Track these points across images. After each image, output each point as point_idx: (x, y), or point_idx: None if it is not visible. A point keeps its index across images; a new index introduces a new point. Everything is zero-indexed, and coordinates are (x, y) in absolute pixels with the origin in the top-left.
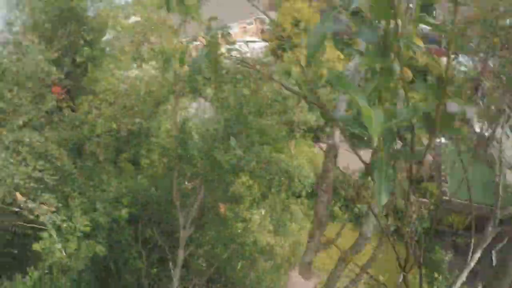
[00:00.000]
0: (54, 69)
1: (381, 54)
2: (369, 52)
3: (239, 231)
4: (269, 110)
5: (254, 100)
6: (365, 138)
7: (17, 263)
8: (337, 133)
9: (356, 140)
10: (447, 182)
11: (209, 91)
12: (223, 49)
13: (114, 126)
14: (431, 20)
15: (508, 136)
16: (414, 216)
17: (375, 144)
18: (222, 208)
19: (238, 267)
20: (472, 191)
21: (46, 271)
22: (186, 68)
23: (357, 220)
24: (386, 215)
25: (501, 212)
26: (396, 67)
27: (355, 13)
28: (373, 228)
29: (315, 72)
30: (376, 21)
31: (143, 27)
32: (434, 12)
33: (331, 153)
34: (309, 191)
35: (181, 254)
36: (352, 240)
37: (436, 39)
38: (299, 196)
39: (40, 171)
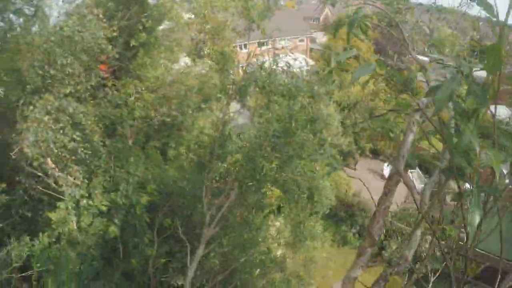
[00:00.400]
0: (110, 47)
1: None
2: (475, 99)
3: (260, 239)
4: (312, 126)
5: (303, 116)
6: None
7: (26, 226)
8: (402, 160)
9: (453, 172)
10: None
11: (252, 100)
12: (282, 62)
13: (152, 113)
14: None
15: None
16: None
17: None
18: (239, 215)
19: (255, 274)
20: (493, 242)
21: (54, 240)
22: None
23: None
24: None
25: None
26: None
27: (467, 76)
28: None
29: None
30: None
31: (206, 25)
32: None
33: (394, 178)
34: (327, 212)
35: (200, 251)
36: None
37: None
38: (317, 215)
39: (74, 141)
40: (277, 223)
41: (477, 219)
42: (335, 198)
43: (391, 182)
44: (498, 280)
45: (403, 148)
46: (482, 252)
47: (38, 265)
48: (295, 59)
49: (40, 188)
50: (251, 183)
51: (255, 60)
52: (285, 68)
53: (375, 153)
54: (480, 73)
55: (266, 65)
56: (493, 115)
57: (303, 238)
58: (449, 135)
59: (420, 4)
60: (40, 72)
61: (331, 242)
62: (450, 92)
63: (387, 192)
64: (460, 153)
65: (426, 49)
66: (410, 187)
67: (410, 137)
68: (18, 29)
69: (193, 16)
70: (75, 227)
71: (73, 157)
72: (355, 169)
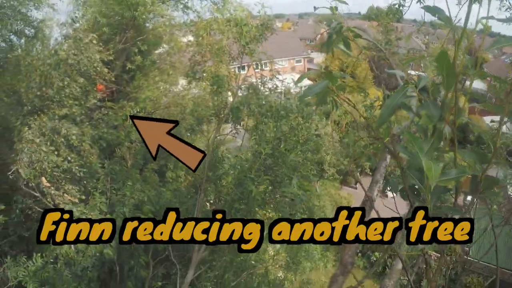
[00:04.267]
0: (106, 70)
1: (437, 119)
2: (429, 116)
3: (252, 262)
4: (303, 147)
5: (292, 137)
6: (418, 191)
7: (24, 246)
8: (375, 186)
9: (409, 192)
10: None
11: (250, 122)
12: (270, 84)
13: None
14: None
15: None
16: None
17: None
18: None
19: None
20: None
21: (51, 260)
22: (230, 95)
23: (371, 268)
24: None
25: None
26: (448, 129)
27: (423, 89)
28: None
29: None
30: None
31: (202, 48)
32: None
33: (367, 204)
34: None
35: (190, 275)
36: None
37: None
38: None
39: (69, 162)
40: (277, 245)
41: None
42: None
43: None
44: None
45: (376, 174)
46: (487, 264)
47: (32, 284)
48: (282, 80)
49: (38, 208)
50: (239, 207)
51: (247, 82)
52: (278, 90)
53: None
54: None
55: (256, 87)
56: (453, 130)
57: (298, 260)
58: (406, 152)
59: (414, 20)
60: (38, 93)
61: (334, 262)
62: (393, 106)
63: None
64: (412, 172)
65: (422, 66)
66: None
67: (384, 163)
68: (19, 50)
69: (191, 38)
70: (72, 248)
71: (68, 176)
72: (356, 188)
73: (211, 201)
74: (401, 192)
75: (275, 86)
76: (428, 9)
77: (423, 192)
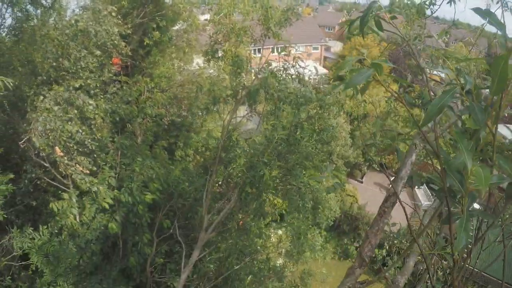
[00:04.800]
0: (123, 44)
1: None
2: (474, 120)
3: (258, 247)
4: (318, 137)
5: (309, 125)
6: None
7: (30, 215)
8: (400, 182)
9: (447, 194)
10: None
11: (261, 106)
12: (292, 70)
13: (163, 112)
14: None
15: None
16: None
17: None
18: (241, 222)
19: (247, 281)
20: (494, 265)
21: (56, 231)
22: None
23: (371, 264)
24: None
25: None
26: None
27: (468, 92)
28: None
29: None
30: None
31: (224, 27)
32: None
33: (391, 200)
34: (330, 224)
35: (195, 255)
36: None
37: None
38: (319, 227)
39: (81, 134)
40: (280, 232)
41: (462, 244)
42: (340, 210)
43: (387, 204)
44: None
45: (402, 171)
46: (486, 275)
47: (37, 257)
48: (304, 68)
49: (47, 179)
50: (250, 190)
51: (266, 65)
52: (294, 76)
53: (383, 167)
54: None
55: (277, 72)
56: (493, 136)
57: (302, 250)
58: (443, 153)
59: (437, 18)
60: (54, 63)
61: (333, 255)
62: (441, 105)
63: (382, 213)
64: (452, 173)
65: (441, 63)
66: (405, 210)
67: (410, 160)
68: (35, 20)
69: (208, 17)
70: (77, 220)
71: (80, 149)
72: (361, 181)
73: (219, 183)
74: (437, 192)
75: (297, 72)
76: (478, 11)
77: (460, 195)
